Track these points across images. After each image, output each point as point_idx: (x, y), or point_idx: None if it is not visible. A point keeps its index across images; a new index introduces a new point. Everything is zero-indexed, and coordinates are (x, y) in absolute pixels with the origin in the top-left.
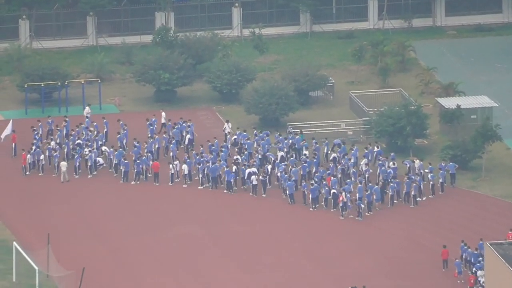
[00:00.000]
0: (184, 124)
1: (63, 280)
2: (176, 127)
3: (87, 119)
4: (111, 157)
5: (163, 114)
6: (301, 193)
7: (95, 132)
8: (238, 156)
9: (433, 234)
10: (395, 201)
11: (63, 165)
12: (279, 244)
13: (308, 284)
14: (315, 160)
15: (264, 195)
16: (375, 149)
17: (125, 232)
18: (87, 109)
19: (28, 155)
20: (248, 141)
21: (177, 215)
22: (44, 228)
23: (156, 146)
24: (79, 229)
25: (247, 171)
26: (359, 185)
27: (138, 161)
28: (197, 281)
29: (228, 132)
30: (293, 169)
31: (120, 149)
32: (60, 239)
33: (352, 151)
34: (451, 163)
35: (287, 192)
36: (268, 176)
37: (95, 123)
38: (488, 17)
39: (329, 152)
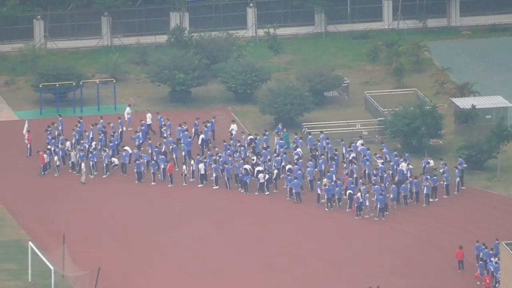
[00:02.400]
0: (196, 122)
1: (78, 280)
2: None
3: (127, 119)
4: (128, 157)
5: (149, 115)
6: (311, 192)
7: (112, 133)
8: (255, 157)
9: (448, 234)
10: (409, 200)
11: (83, 165)
12: (293, 244)
13: (323, 284)
14: (321, 159)
15: (267, 193)
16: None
17: (141, 232)
18: (127, 109)
19: (45, 155)
20: (258, 138)
21: (192, 215)
22: (60, 228)
23: (170, 147)
24: (95, 229)
25: (256, 169)
26: (375, 186)
27: (153, 162)
28: (212, 281)
29: (235, 132)
30: (309, 169)
31: (136, 150)
32: (76, 239)
33: (368, 151)
34: (460, 159)
35: (293, 191)
36: (274, 175)
37: (111, 124)
38: (503, 17)
39: (345, 151)
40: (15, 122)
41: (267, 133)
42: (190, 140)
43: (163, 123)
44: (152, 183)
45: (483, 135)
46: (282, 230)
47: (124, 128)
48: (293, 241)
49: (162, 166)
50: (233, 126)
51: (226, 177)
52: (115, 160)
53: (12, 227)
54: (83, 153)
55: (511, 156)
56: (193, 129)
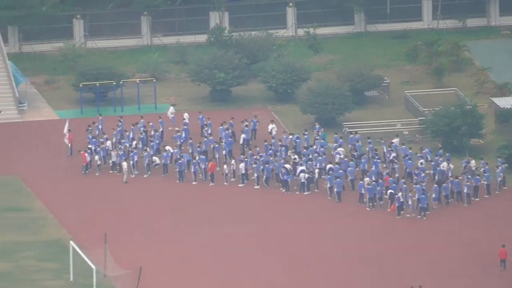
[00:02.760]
0: (231, 122)
1: (120, 279)
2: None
3: (171, 119)
4: (169, 157)
5: (186, 114)
6: (352, 192)
7: (152, 132)
8: (296, 156)
9: (489, 233)
10: (450, 199)
11: (124, 165)
12: (334, 243)
13: (363, 284)
14: (364, 159)
15: (308, 193)
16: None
17: (181, 231)
18: (171, 109)
19: (86, 154)
20: (298, 140)
21: (233, 214)
22: (101, 227)
23: (212, 146)
24: (136, 228)
25: (299, 168)
26: (417, 185)
27: (194, 161)
28: (251, 280)
29: (275, 132)
30: (350, 168)
31: (177, 149)
32: (117, 238)
33: (410, 150)
34: (499, 159)
35: (335, 190)
36: (315, 175)
37: (151, 123)
38: None
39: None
40: (56, 122)
41: (307, 132)
42: (231, 140)
43: (205, 122)
44: (193, 183)
45: None
46: (322, 230)
47: (170, 128)
48: (333, 240)
49: (203, 166)
50: (272, 126)
51: (265, 176)
52: (156, 159)
53: (53, 226)
54: (122, 153)
55: None
56: (230, 130)
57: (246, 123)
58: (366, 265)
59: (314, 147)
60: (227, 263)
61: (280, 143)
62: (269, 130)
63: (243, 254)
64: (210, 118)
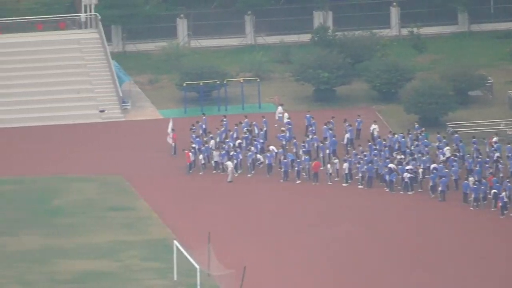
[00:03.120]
0: (331, 120)
1: (224, 279)
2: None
3: (278, 119)
4: (273, 157)
5: (286, 115)
6: (455, 191)
7: (256, 131)
8: (400, 156)
9: None
10: None
11: (229, 164)
12: (439, 243)
13: (478, 284)
14: (471, 159)
15: (410, 193)
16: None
17: (284, 231)
18: (279, 108)
19: (190, 154)
20: (403, 139)
21: (336, 214)
22: (205, 226)
23: (315, 145)
24: (239, 227)
25: (405, 167)
26: None
27: (298, 160)
28: (355, 281)
29: (377, 132)
30: (453, 168)
31: (281, 149)
32: (221, 237)
33: None
34: None
35: (439, 189)
36: (419, 175)
37: (254, 122)
38: None
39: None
40: (160, 121)
41: (411, 132)
42: (335, 139)
43: (312, 121)
44: (297, 182)
45: None
46: (425, 229)
47: (282, 128)
48: (438, 239)
49: (307, 166)
50: (375, 126)
51: (367, 176)
52: (260, 157)
53: (157, 225)
54: (224, 152)
55: None
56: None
57: (348, 123)
58: (482, 266)
59: (417, 147)
60: (333, 263)
61: (384, 142)
62: (371, 131)
63: (348, 254)
64: (314, 118)
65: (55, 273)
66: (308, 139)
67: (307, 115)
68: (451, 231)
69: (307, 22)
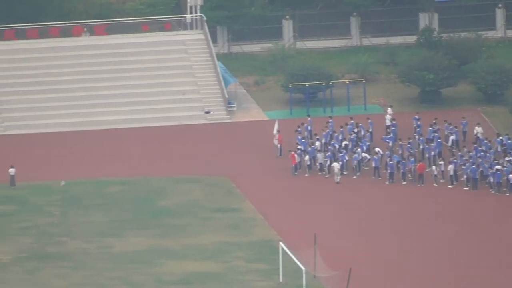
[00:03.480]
0: (434, 121)
1: (330, 280)
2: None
3: (387, 120)
4: (379, 159)
5: (388, 116)
6: None
7: (361, 133)
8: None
9: None
10: None
11: (336, 165)
12: None
13: None
14: None
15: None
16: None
17: (390, 232)
18: (389, 110)
19: (296, 155)
20: (510, 141)
21: (442, 215)
22: (310, 228)
23: (421, 147)
24: (345, 229)
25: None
26: None
27: (403, 161)
28: (465, 280)
29: (481, 135)
30: None
31: (387, 152)
32: (326, 239)
33: None
34: None
35: None
36: None
37: (359, 124)
38: None
39: None
40: (265, 122)
41: None
42: (440, 141)
43: (419, 123)
44: (403, 183)
45: None
46: None
47: (388, 130)
48: None
49: (412, 167)
50: (478, 129)
51: (472, 178)
52: (366, 155)
53: (263, 227)
54: (328, 154)
55: None
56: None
57: (452, 126)
58: None
59: None
60: (441, 265)
61: (489, 143)
62: (475, 133)
63: (457, 255)
64: (420, 119)
65: (161, 274)
66: (412, 140)
67: (416, 117)
68: None
69: (413, 24)
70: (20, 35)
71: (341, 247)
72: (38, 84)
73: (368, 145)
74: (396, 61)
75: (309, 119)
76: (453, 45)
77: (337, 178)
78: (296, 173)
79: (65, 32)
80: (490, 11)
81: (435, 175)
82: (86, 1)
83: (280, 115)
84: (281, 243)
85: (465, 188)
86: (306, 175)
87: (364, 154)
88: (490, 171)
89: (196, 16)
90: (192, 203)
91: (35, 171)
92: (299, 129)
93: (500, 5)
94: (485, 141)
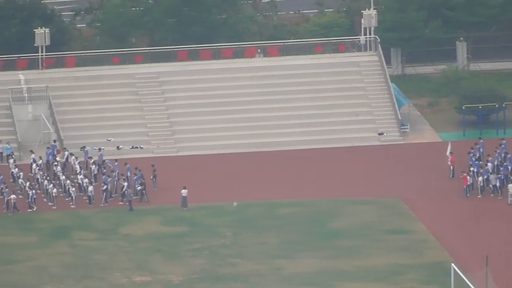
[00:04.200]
0: None
1: None
2: None
3: None
4: None
5: None
6: None
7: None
8: None
9: None
10: None
11: (510, 187)
12: None
13: None
14: None
15: None
16: None
17: None
18: None
19: (468, 177)
20: None
21: None
22: (483, 249)
23: None
24: None
25: None
26: None
27: None
28: None
29: None
30: None
31: None
32: (499, 261)
33: None
34: None
35: None
36: None
37: None
38: None
39: None
40: (438, 144)
41: None
42: None
43: None
44: None
45: None
46: None
47: None
48: None
49: None
50: None
51: None
52: None
53: (435, 248)
54: (500, 175)
55: None
56: None
57: None
58: None
59: None
60: None
61: None
62: None
63: None
64: None
65: None
66: None
67: None
68: None
69: None
70: (194, 56)
71: None
72: (210, 105)
73: None
74: None
75: (481, 141)
76: None
77: (510, 200)
78: (468, 195)
79: (238, 53)
80: None
81: None
82: (260, 23)
83: (453, 136)
84: (453, 265)
85: None
86: (478, 196)
87: None
88: None
89: (370, 37)
90: (364, 225)
91: (207, 192)
92: (472, 150)
93: None
94: None
